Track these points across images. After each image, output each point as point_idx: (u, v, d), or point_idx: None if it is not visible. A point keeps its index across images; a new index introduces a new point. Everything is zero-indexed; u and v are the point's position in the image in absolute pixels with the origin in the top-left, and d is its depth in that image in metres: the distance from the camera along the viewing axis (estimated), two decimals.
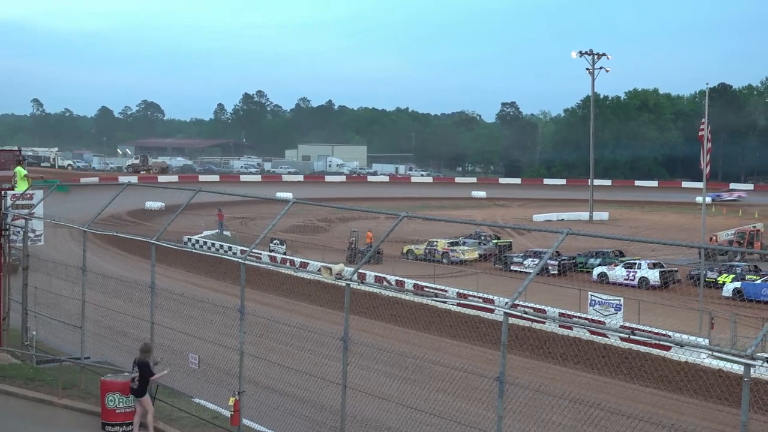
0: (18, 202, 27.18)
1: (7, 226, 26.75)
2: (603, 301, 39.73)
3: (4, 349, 25.89)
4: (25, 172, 30.71)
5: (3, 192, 27.18)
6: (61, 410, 20.67)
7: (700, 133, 43.03)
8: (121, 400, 18.86)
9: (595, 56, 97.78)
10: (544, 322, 34.63)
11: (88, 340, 23.30)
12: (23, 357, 25.31)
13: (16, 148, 43.40)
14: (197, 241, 62.81)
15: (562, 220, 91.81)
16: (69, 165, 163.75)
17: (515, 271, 53.35)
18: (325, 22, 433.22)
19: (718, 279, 48.34)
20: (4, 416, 19.97)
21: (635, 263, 51.59)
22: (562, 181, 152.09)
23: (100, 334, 25.41)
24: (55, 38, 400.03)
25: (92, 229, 24.19)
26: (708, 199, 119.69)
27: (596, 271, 52.66)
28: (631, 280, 50.24)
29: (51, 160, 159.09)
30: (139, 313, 21.91)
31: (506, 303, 13.24)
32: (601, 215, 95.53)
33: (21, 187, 28.82)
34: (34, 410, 20.69)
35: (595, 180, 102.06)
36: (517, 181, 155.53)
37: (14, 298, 26.72)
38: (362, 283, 17.48)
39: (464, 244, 62.12)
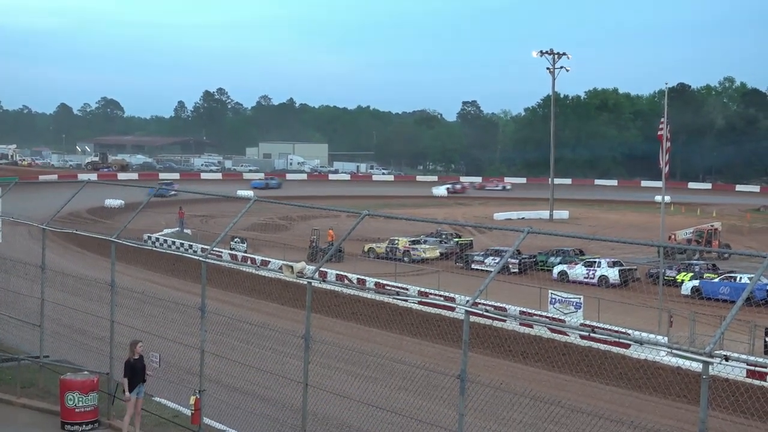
0: None
1: None
2: (563, 299, 39.94)
3: None
4: None
5: None
6: (19, 409, 20.48)
7: (659, 133, 43.42)
8: (80, 399, 18.71)
9: (556, 56, 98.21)
10: (504, 320, 34.63)
11: (47, 338, 23.09)
12: None
13: None
14: (157, 239, 62.48)
15: (523, 218, 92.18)
16: (26, 161, 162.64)
17: (476, 269, 53.49)
18: (286, 20, 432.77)
19: (677, 277, 48.73)
20: None
21: (595, 262, 51.88)
22: (523, 180, 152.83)
23: (59, 332, 25.18)
24: (13, 35, 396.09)
25: (51, 226, 23.98)
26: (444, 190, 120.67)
27: (556, 269, 52.90)
28: (590, 278, 50.52)
29: (9, 157, 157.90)
30: (99, 311, 21.74)
31: (467, 301, 13.26)
32: (561, 214, 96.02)
33: None
34: None
35: (555, 179, 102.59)
36: (478, 179, 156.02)
37: None
38: (324, 281, 17.42)
39: (425, 242, 62.22)
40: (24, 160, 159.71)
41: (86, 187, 24.89)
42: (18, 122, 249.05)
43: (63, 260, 48.62)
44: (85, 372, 19.82)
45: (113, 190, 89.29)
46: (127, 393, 17.95)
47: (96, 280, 23.57)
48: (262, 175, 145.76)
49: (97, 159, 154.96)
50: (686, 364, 28.52)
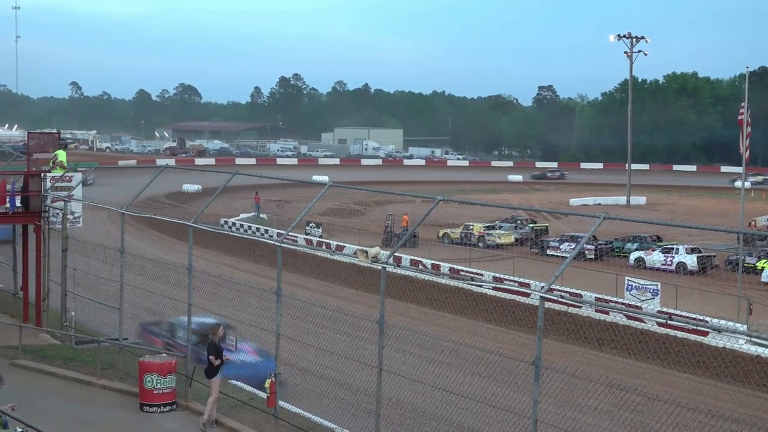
0: (57, 185, 27.38)
1: (47, 208, 27.02)
2: (640, 286, 39.52)
3: (43, 329, 26.21)
4: (64, 158, 29.97)
5: (42, 174, 27.43)
6: (99, 390, 20.88)
7: (739, 117, 42.63)
8: (159, 381, 19.03)
9: (634, 39, 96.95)
10: (580, 307, 34.49)
11: (126, 321, 23.48)
12: (62, 338, 25.62)
13: (55, 131, 43.40)
14: (234, 224, 63.11)
15: (599, 204, 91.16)
16: (107, 148, 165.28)
17: (551, 255, 53.03)
18: (361, 5, 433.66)
19: (757, 264, 47.87)
20: (44, 396, 20.21)
21: (673, 248, 51.19)
22: (599, 166, 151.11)
23: (138, 315, 25.61)
24: (93, 22, 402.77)
25: (130, 211, 24.35)
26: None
27: (633, 255, 52.30)
28: (668, 265, 49.90)
29: (89, 142, 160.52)
30: (176, 294, 22.04)
31: (542, 287, 13.20)
32: (639, 200, 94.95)
33: (57, 171, 28.64)
34: (72, 390, 20.91)
35: (632, 164, 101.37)
36: (554, 165, 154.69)
37: (53, 279, 27.00)
38: (398, 266, 17.43)
39: (500, 228, 61.90)
40: (73, 144, 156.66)
41: (164, 173, 25.25)
42: (98, 108, 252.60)
43: (141, 244, 49.35)
44: (164, 354, 20.16)
45: (191, 176, 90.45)
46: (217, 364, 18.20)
47: (174, 264, 23.90)
48: (337, 161, 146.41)
49: (175, 144, 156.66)
50: (766, 352, 28.05)
